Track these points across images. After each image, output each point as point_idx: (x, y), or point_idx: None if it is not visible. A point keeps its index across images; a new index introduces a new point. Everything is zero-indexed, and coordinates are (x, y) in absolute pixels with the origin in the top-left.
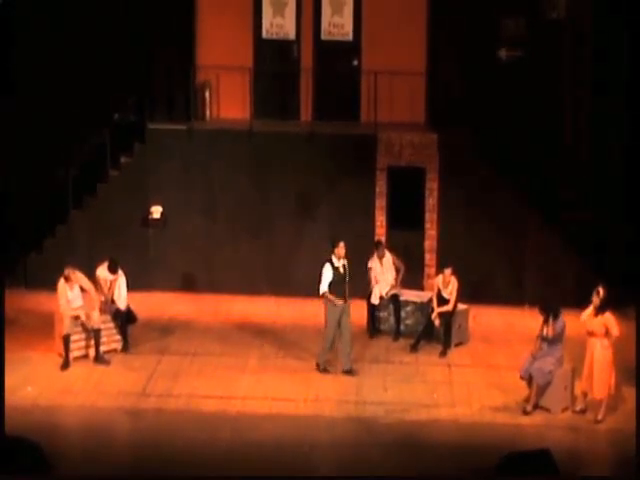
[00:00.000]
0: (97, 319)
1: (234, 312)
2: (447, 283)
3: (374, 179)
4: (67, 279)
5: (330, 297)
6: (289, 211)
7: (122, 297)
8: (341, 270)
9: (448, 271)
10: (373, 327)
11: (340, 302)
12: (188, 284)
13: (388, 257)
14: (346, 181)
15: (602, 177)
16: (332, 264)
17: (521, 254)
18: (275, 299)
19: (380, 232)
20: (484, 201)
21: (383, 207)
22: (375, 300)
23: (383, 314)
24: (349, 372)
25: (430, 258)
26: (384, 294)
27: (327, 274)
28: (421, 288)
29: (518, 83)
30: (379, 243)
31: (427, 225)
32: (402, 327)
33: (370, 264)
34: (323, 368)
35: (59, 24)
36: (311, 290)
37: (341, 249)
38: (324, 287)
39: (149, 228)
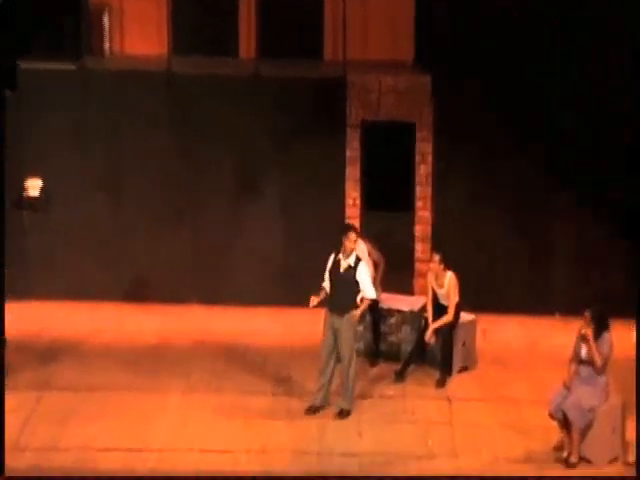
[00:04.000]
0: None
1: (148, 328)
2: (441, 279)
3: (343, 140)
4: None
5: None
6: (225, 186)
7: None
8: (342, 269)
9: (436, 258)
10: None
11: (338, 313)
12: (81, 290)
13: (363, 248)
14: (304, 143)
15: None
16: (335, 257)
17: (547, 244)
18: (206, 309)
19: (352, 213)
20: (496, 170)
21: (356, 179)
22: None
23: (360, 328)
24: (341, 414)
25: (422, 249)
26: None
27: (327, 270)
28: (410, 291)
29: (536, 9)
30: (349, 228)
31: (418, 204)
32: (383, 346)
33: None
34: (314, 409)
35: None
36: (257, 296)
37: (351, 242)
38: (326, 287)
39: (24, 210)
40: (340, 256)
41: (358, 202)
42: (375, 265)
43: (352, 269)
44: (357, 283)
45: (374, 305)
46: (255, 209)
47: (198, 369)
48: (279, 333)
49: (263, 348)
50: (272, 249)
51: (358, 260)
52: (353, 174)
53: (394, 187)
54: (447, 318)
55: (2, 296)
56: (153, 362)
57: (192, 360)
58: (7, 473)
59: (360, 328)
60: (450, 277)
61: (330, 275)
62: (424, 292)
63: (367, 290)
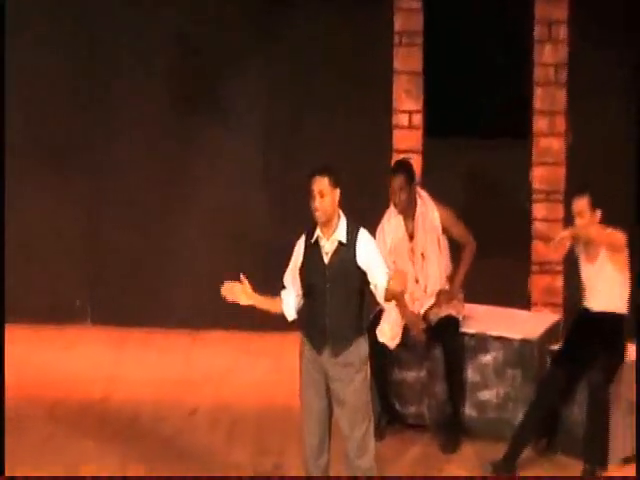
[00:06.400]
0: None
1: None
2: (594, 246)
3: (389, 2)
4: None
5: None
6: (166, 100)
7: None
8: (327, 256)
9: (583, 203)
10: (384, 408)
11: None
12: None
13: (431, 211)
14: (310, 8)
15: None
16: (308, 241)
17: None
18: (114, 335)
19: (407, 143)
20: None
21: (416, 75)
22: (387, 337)
23: (413, 374)
24: None
25: (547, 215)
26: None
27: (292, 268)
28: (525, 302)
29: None
30: (402, 165)
31: (539, 124)
32: (469, 410)
33: (379, 231)
34: None
35: None
36: (211, 312)
37: (323, 198)
38: (288, 307)
39: None
40: (318, 234)
41: (418, 121)
42: (463, 245)
43: (347, 249)
44: (361, 276)
45: (449, 327)
46: (213, 143)
47: (98, 445)
48: (257, 378)
49: (226, 408)
50: (242, 224)
51: (354, 230)
52: (408, 65)
53: (489, 92)
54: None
55: (2, 297)
56: (9, 438)
57: (87, 433)
58: None
59: (420, 375)
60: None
61: (303, 275)
62: (550, 301)
63: (380, 285)
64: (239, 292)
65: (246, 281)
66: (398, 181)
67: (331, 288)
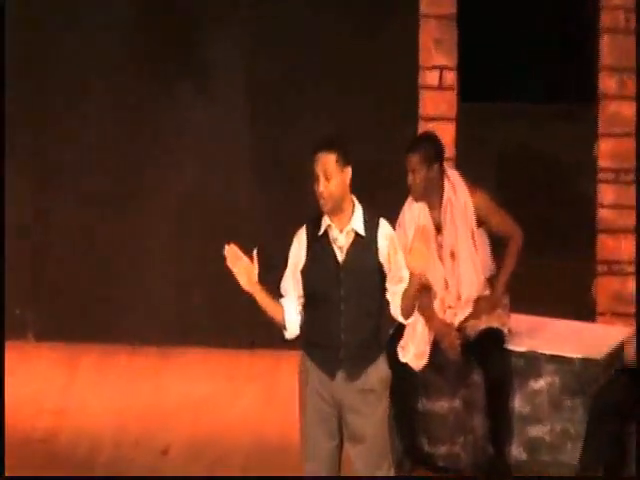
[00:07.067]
0: None
1: None
2: None
3: None
4: None
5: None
6: (129, 65)
7: None
8: (340, 253)
9: None
10: (407, 447)
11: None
12: None
13: (462, 198)
14: None
15: None
16: (312, 234)
17: None
18: (67, 354)
19: (437, 106)
20: None
21: (452, 34)
22: (411, 356)
23: (445, 404)
24: None
25: (619, 195)
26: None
27: (292, 271)
28: (589, 311)
29: None
30: (419, 140)
31: (603, 86)
32: (515, 449)
33: (399, 222)
34: None
35: None
36: (186, 324)
37: (329, 180)
38: (291, 319)
39: None
40: (328, 224)
41: (451, 80)
42: (506, 238)
43: (366, 243)
44: (382, 278)
45: (491, 343)
46: (186, 117)
47: None
48: (244, 407)
49: (206, 445)
50: (224, 217)
51: (373, 220)
52: (439, 8)
53: (541, 43)
54: None
55: (2, 298)
56: None
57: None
58: None
59: (454, 405)
60: None
61: (308, 279)
62: (620, 310)
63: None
64: (243, 269)
65: (256, 262)
66: (412, 161)
67: (347, 294)
